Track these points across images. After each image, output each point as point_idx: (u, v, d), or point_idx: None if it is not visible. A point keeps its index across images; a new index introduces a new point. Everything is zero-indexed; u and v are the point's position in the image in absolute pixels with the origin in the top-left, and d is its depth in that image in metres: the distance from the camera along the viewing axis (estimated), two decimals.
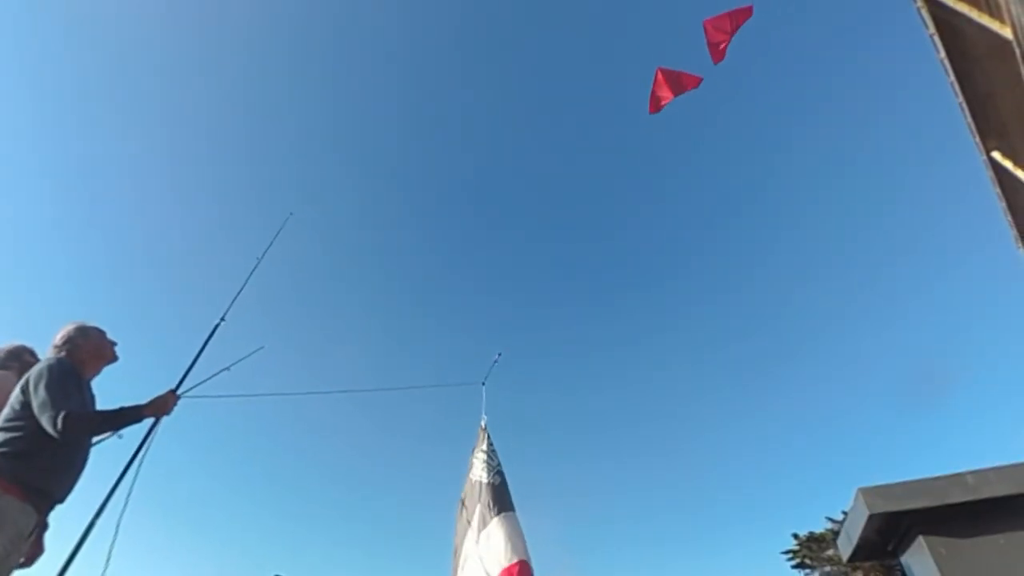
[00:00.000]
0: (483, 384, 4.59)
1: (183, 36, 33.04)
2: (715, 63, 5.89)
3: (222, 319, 3.42)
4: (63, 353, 2.59)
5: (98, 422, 2.51)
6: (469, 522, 3.94)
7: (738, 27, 5.76)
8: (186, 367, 3.03)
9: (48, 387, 2.34)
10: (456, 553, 3.97)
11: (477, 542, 3.81)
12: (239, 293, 3.58)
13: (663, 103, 6.05)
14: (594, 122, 41.20)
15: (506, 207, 47.27)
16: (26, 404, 2.35)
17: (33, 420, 2.31)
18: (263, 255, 3.90)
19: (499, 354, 4.70)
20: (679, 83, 6.04)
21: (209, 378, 3.19)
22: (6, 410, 2.39)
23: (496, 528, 3.79)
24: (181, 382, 2.92)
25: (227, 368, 3.34)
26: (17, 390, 2.43)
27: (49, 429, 2.27)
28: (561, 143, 43.76)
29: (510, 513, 3.90)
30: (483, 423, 4.49)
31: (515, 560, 3.60)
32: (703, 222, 47.80)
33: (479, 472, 4.19)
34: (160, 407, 2.68)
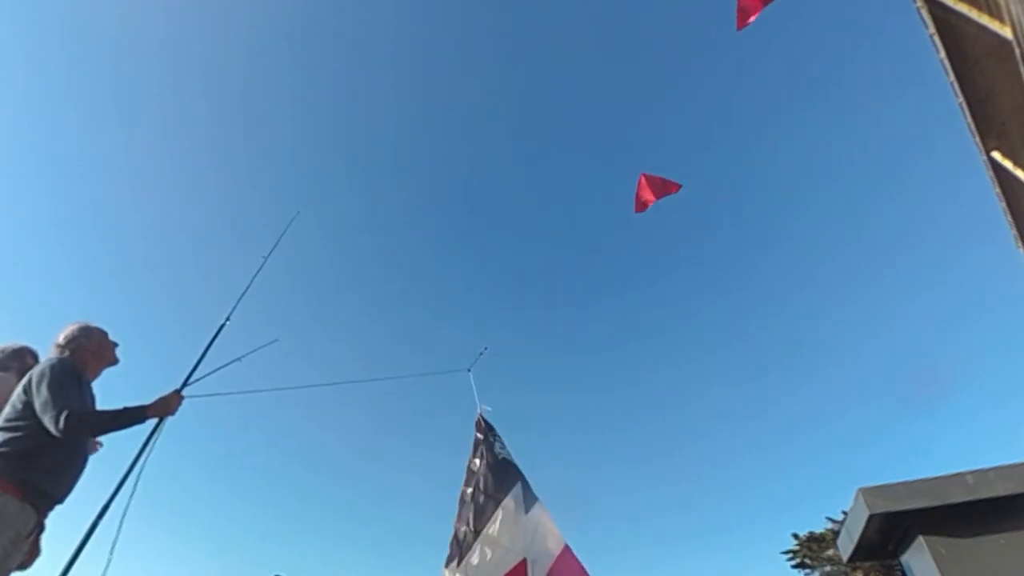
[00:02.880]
0: (469, 371, 4.58)
1: (183, 35, 33.03)
2: (738, 29, 5.69)
3: (227, 319, 3.38)
4: (66, 353, 2.58)
5: (101, 422, 2.48)
6: (497, 500, 3.88)
7: None
8: (191, 367, 2.99)
9: (50, 386, 2.33)
10: (471, 529, 3.81)
11: (520, 518, 3.75)
12: (244, 293, 3.54)
13: (648, 205, 6.88)
14: (594, 121, 41.21)
15: (504, 207, 47.29)
16: (28, 404, 2.34)
17: (34, 420, 2.30)
18: (269, 254, 3.84)
19: (485, 347, 4.75)
20: (661, 187, 6.86)
21: (220, 368, 3.16)
22: (7, 410, 2.38)
23: (543, 510, 3.84)
24: (186, 382, 2.88)
25: (239, 359, 3.29)
26: (19, 389, 2.41)
27: (51, 428, 2.25)
28: (560, 143, 43.75)
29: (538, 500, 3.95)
30: (480, 411, 4.47)
31: (564, 544, 3.70)
32: (702, 222, 47.79)
33: (501, 451, 4.19)
34: (164, 407, 2.63)
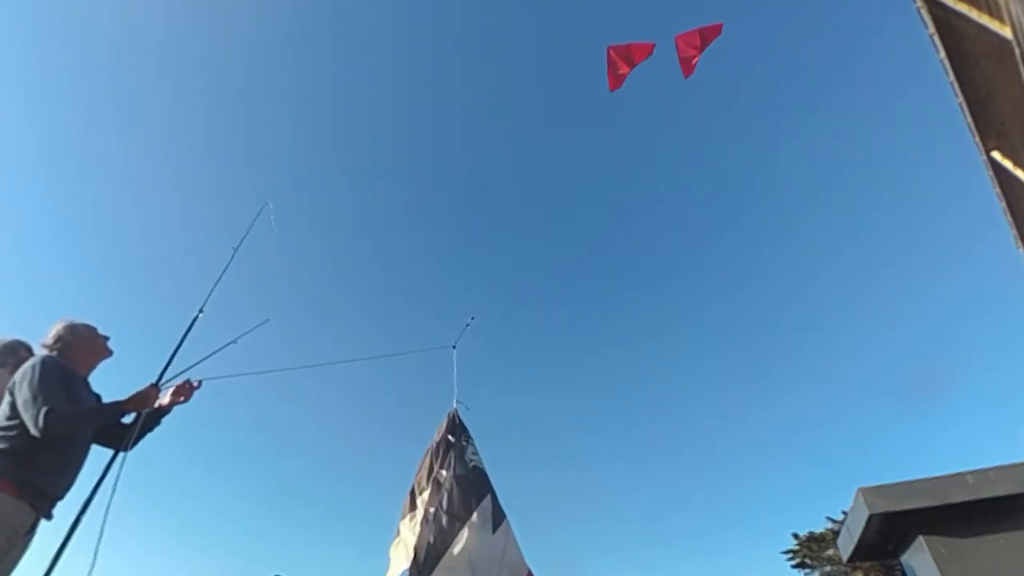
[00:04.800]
0: (454, 347, 4.29)
1: (183, 35, 33.04)
2: (685, 77, 6.22)
3: (200, 311, 3.31)
4: (53, 352, 2.58)
5: (81, 418, 2.48)
6: (463, 518, 3.54)
7: (708, 43, 6.11)
8: (166, 360, 2.96)
9: (31, 385, 2.33)
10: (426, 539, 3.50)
11: (487, 537, 3.47)
12: (216, 285, 3.49)
13: (623, 78, 6.31)
14: (593, 122, 41.25)
15: (504, 207, 47.27)
16: (14, 403, 2.35)
17: (20, 417, 2.30)
18: (239, 245, 3.79)
19: (472, 317, 4.42)
20: (634, 55, 6.28)
21: (213, 353, 3.16)
22: (2, 409, 2.38)
23: (509, 530, 3.55)
24: (162, 375, 2.86)
25: (234, 341, 3.29)
26: (7, 389, 2.43)
27: (31, 427, 2.25)
28: (559, 143, 43.78)
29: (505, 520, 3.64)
30: (454, 409, 4.08)
31: (528, 570, 3.47)
32: (702, 222, 47.82)
33: (472, 458, 3.83)
34: (142, 401, 2.63)
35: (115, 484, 2.55)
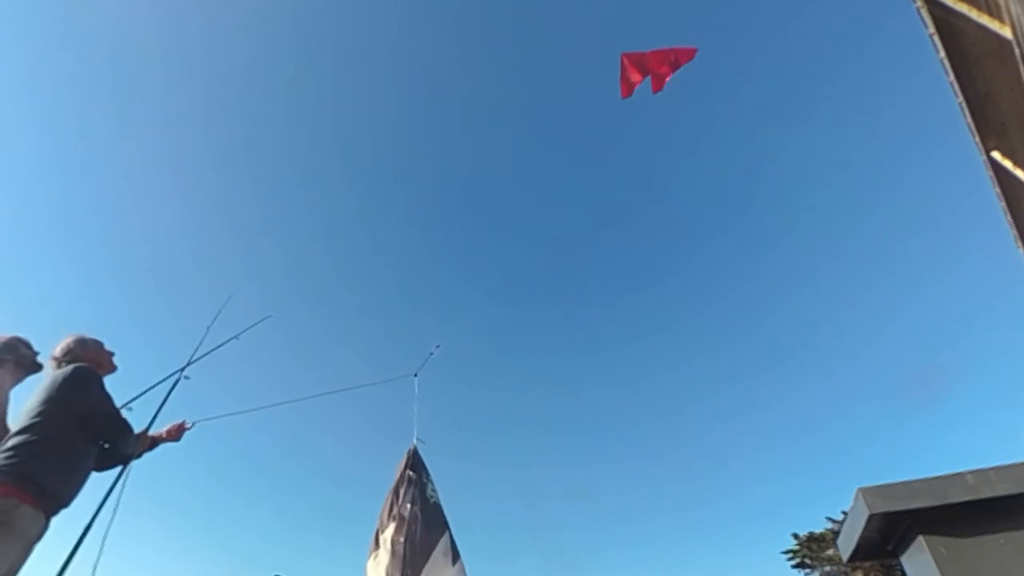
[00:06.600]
0: (415, 376, 4.36)
1: (182, 35, 33.06)
2: (654, 92, 6.45)
3: (184, 375, 3.25)
4: (63, 364, 2.59)
5: (132, 438, 2.70)
6: (427, 551, 3.62)
7: (680, 65, 6.33)
8: (153, 412, 3.05)
9: (100, 393, 2.52)
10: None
11: (447, 570, 3.57)
12: (202, 356, 3.41)
13: (635, 86, 6.47)
14: (592, 122, 41.24)
15: (502, 208, 47.28)
16: (49, 411, 2.35)
17: (51, 425, 2.31)
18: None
19: (437, 345, 4.50)
20: (647, 64, 6.45)
21: (217, 348, 3.27)
22: (32, 410, 2.37)
23: (464, 569, 3.66)
24: (150, 425, 2.97)
25: (236, 337, 3.41)
26: (42, 393, 2.42)
27: (118, 439, 2.53)
28: (557, 142, 43.78)
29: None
30: (413, 445, 4.13)
31: None
32: (701, 221, 47.82)
33: (432, 494, 3.94)
34: (142, 442, 2.84)
35: (122, 487, 2.65)
